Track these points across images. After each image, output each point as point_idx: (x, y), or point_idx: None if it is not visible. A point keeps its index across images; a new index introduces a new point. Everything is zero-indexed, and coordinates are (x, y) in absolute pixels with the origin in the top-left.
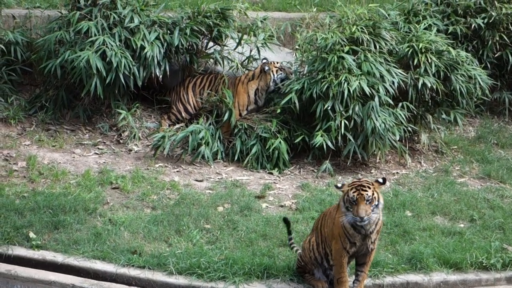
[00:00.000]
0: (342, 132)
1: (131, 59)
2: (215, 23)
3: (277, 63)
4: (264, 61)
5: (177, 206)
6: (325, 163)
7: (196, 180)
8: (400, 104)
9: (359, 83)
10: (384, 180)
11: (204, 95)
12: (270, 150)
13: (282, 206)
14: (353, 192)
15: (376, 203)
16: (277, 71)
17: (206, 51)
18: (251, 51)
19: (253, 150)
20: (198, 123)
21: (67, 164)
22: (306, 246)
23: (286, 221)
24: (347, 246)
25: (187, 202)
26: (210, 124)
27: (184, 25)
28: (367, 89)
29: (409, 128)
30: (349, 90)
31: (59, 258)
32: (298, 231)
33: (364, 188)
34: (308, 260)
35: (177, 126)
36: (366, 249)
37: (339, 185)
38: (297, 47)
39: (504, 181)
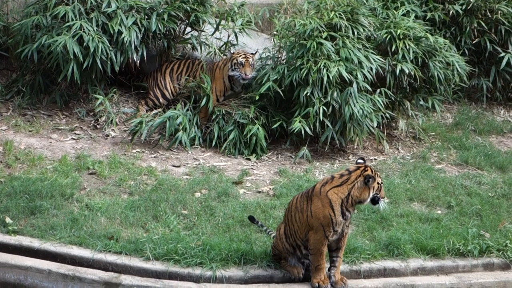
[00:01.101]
0: (321, 118)
1: (108, 44)
2: (192, 8)
3: (244, 55)
4: (236, 48)
5: (154, 192)
6: (303, 149)
7: (174, 166)
8: (378, 90)
9: (338, 69)
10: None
11: (181, 81)
12: (248, 136)
13: (259, 192)
14: (379, 178)
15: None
16: (234, 64)
17: (184, 36)
18: (228, 36)
19: (231, 136)
20: (175, 108)
21: (44, 149)
22: (278, 236)
23: (251, 219)
24: (330, 234)
25: (164, 187)
26: (187, 109)
27: (161, 10)
28: (345, 75)
29: (387, 115)
30: (328, 76)
31: (35, 243)
32: (276, 217)
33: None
34: (282, 249)
35: (155, 111)
36: (340, 234)
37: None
38: (275, 32)
39: (481, 167)
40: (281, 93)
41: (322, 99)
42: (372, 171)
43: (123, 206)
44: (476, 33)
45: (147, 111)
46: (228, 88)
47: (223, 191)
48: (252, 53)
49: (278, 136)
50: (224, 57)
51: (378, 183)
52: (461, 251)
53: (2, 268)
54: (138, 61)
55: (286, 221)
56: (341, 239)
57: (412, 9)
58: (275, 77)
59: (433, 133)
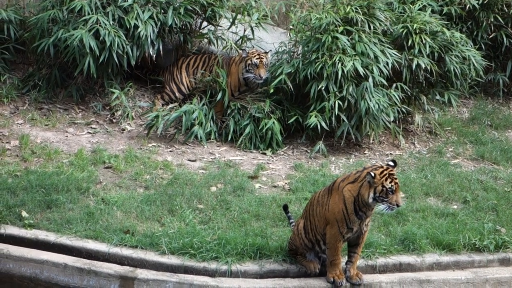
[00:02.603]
0: (336, 113)
1: (125, 38)
2: (209, 2)
3: (258, 55)
4: (253, 47)
5: (170, 186)
6: (319, 144)
7: (189, 160)
8: (394, 85)
9: (353, 63)
10: (395, 162)
11: (197, 75)
12: (264, 130)
13: (275, 186)
14: (390, 182)
15: None
16: (249, 64)
17: (200, 31)
18: (245, 31)
19: (247, 130)
20: (191, 103)
21: (60, 143)
22: (296, 231)
23: (285, 208)
24: (344, 231)
25: (180, 182)
26: (203, 104)
27: (178, 4)
28: (361, 70)
29: (403, 109)
30: (343, 71)
31: (51, 237)
32: (292, 212)
33: (396, 177)
34: (299, 245)
35: (171, 106)
36: (359, 232)
37: (373, 174)
38: (291, 27)
39: (497, 162)
40: (291, 87)
41: (337, 93)
42: (382, 172)
43: (139, 200)
44: (492, 28)
45: (163, 105)
46: (242, 84)
47: (238, 185)
48: (265, 52)
49: (294, 130)
50: (241, 51)
51: (383, 186)
52: (477, 246)
53: (18, 262)
54: (154, 55)
55: (306, 215)
56: (360, 236)
57: (429, 3)
58: (289, 70)
59: (449, 128)
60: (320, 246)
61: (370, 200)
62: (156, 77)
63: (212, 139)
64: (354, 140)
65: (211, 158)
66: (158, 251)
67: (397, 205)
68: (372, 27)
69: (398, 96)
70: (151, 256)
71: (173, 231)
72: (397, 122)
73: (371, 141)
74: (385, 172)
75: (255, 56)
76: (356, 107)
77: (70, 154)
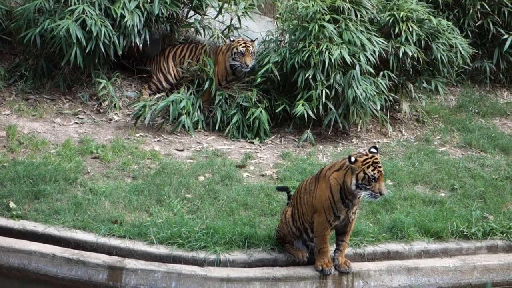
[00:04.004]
0: (323, 101)
1: (111, 28)
2: None
3: (244, 44)
4: (238, 36)
5: (158, 176)
6: (306, 132)
7: (177, 150)
8: (381, 73)
9: (340, 52)
10: (376, 148)
11: (184, 65)
12: (251, 119)
13: (263, 175)
14: (372, 170)
15: None
16: (235, 52)
17: (187, 20)
18: (231, 20)
19: (234, 120)
20: (179, 92)
21: (47, 133)
22: (283, 219)
23: (284, 188)
24: (331, 219)
25: (167, 171)
26: (191, 93)
27: None
28: (348, 58)
29: (390, 97)
30: (330, 59)
31: (39, 227)
32: (279, 201)
33: (380, 165)
34: (287, 233)
35: (158, 95)
36: (347, 220)
37: (353, 159)
38: (277, 15)
39: (485, 150)
40: (278, 76)
41: (324, 82)
42: (365, 160)
43: (126, 190)
44: (479, 15)
45: (150, 95)
46: (229, 73)
47: (226, 174)
48: (252, 41)
49: (282, 119)
50: (228, 41)
51: (364, 173)
52: (464, 233)
53: (6, 253)
54: (141, 45)
55: (293, 203)
56: (347, 224)
57: None
58: (276, 59)
59: (437, 116)
60: (308, 234)
61: (353, 187)
62: (143, 67)
63: (200, 129)
64: (341, 129)
65: (199, 148)
66: (146, 241)
67: (380, 193)
68: (359, 15)
69: (385, 84)
70: (140, 246)
71: (161, 221)
72: (384, 110)
73: (358, 130)
74: (368, 160)
75: (241, 44)
76: (344, 96)
77: (58, 145)
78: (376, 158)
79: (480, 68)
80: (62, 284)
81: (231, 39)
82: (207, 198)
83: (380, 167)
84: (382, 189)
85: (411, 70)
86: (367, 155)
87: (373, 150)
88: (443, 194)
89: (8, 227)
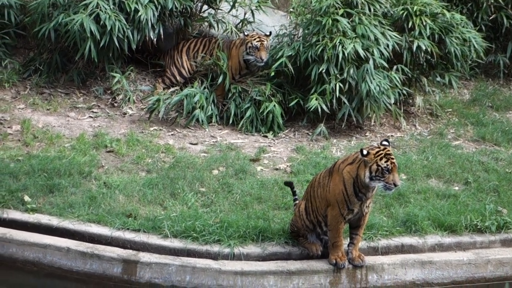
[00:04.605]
0: (337, 95)
1: (125, 22)
2: None
3: (258, 38)
4: (252, 30)
5: (172, 170)
6: (320, 126)
7: (191, 144)
8: (395, 67)
9: (354, 46)
10: (388, 141)
11: (198, 59)
12: (265, 113)
13: (276, 169)
14: (385, 162)
15: None
16: (250, 47)
17: (201, 14)
18: (245, 14)
19: (248, 113)
20: (192, 86)
21: (62, 127)
22: (297, 213)
23: (289, 184)
24: (344, 212)
25: (182, 165)
26: (204, 87)
27: None
28: (361, 52)
29: (404, 91)
30: (343, 53)
31: (54, 221)
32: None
33: (393, 157)
34: (301, 226)
35: (172, 89)
36: (360, 213)
37: (365, 152)
38: (291, 9)
39: (498, 143)
40: (291, 70)
41: (338, 76)
42: (377, 152)
43: (141, 184)
44: (492, 9)
45: (164, 89)
46: (243, 68)
47: (240, 168)
48: (266, 35)
49: (295, 113)
50: (241, 35)
51: (378, 165)
52: (478, 227)
53: (21, 246)
54: (155, 39)
55: (307, 197)
56: (361, 218)
57: None
58: (290, 53)
59: (450, 110)
60: (322, 228)
61: (367, 180)
62: (157, 61)
63: (214, 123)
64: (355, 123)
65: (213, 142)
66: (160, 234)
67: (395, 185)
68: (372, 9)
69: (399, 78)
70: (154, 239)
71: (175, 214)
72: (398, 104)
73: (372, 123)
74: (380, 152)
75: (255, 38)
76: (357, 90)
77: (72, 138)
78: (389, 150)
79: (493, 62)
80: (77, 278)
81: (245, 33)
82: (221, 192)
83: (393, 158)
84: (396, 180)
85: (424, 64)
86: (379, 147)
87: (385, 143)
88: (456, 188)
89: (23, 221)
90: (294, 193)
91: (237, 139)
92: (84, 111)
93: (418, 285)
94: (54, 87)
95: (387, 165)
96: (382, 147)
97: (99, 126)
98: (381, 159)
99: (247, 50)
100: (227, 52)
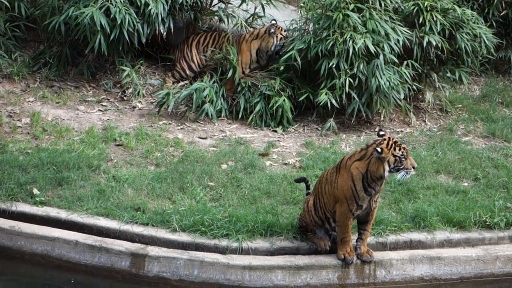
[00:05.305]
0: (347, 90)
1: (135, 16)
2: None
3: (284, 31)
4: (273, 22)
5: (181, 164)
6: (329, 121)
7: (200, 138)
8: (405, 62)
9: (364, 41)
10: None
11: (208, 53)
12: (274, 108)
13: (286, 164)
14: (399, 150)
15: None
16: (281, 38)
17: (211, 8)
18: (255, 8)
19: (257, 108)
20: (202, 80)
21: (71, 120)
22: (306, 208)
23: (302, 180)
24: (353, 208)
25: (190, 159)
26: (214, 82)
27: None
28: (372, 47)
29: (414, 87)
30: (354, 48)
31: (62, 214)
32: (302, 189)
33: (401, 143)
34: (309, 221)
35: (181, 83)
36: (369, 208)
37: (379, 149)
38: (302, 4)
39: (508, 140)
40: (300, 64)
41: (348, 71)
42: (388, 144)
43: (149, 178)
44: (503, 5)
45: (173, 83)
46: (253, 61)
47: (249, 163)
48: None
49: (305, 108)
50: (251, 29)
51: (394, 156)
52: (487, 223)
53: (30, 239)
54: (164, 33)
55: (315, 193)
56: (369, 213)
57: None
58: (301, 46)
59: (460, 105)
60: (330, 223)
61: (386, 174)
62: (167, 55)
63: (223, 117)
64: (364, 118)
65: (222, 136)
66: (169, 228)
67: (413, 167)
68: (383, 5)
69: (409, 73)
70: (162, 233)
71: (184, 208)
72: (408, 99)
73: (381, 119)
74: (390, 143)
75: (283, 30)
76: (367, 85)
77: (81, 132)
78: (392, 138)
79: (504, 58)
80: (85, 271)
81: (271, 29)
82: (229, 186)
83: (401, 144)
84: (413, 162)
85: (435, 59)
86: (385, 139)
87: (382, 133)
88: (466, 184)
89: (32, 214)
90: (308, 187)
91: (246, 134)
92: (93, 104)
93: (426, 280)
94: (63, 80)
95: (402, 152)
96: (386, 138)
97: (108, 119)
98: (394, 149)
99: (279, 42)
100: (237, 47)
